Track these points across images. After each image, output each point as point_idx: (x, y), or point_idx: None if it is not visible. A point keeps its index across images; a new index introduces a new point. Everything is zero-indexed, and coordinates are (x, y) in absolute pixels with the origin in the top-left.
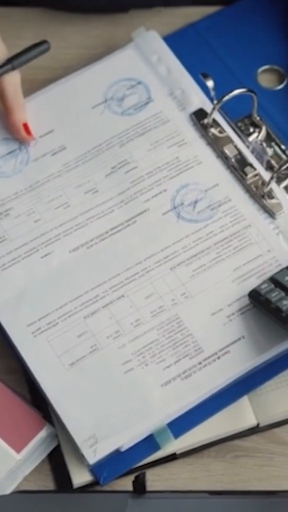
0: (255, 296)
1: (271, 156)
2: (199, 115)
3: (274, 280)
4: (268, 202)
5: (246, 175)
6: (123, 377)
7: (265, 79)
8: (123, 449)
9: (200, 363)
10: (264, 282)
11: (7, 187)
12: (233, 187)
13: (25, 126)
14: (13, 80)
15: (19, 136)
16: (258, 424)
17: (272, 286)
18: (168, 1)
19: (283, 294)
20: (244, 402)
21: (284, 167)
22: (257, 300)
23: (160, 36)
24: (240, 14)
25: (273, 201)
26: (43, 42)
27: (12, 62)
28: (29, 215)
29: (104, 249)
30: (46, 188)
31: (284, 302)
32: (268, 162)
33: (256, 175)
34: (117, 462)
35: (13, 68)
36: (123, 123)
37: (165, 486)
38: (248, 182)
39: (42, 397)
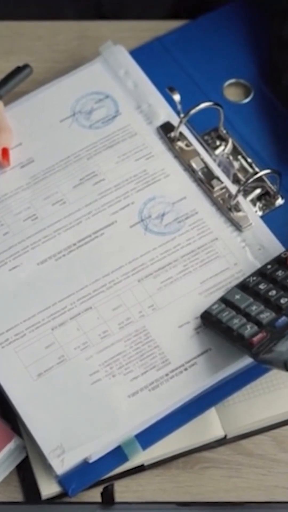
0: (207, 317)
1: (238, 169)
2: (166, 128)
3: (224, 300)
4: (235, 215)
5: (213, 188)
6: (90, 388)
7: (231, 92)
8: (91, 460)
9: (167, 374)
10: (215, 303)
11: None
12: (200, 200)
13: (4, 150)
14: None
15: None
16: (225, 436)
17: (223, 306)
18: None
19: (233, 313)
20: (211, 413)
21: (251, 180)
22: (209, 321)
23: (126, 50)
24: (206, 29)
25: (240, 214)
26: (25, 66)
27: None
28: None
29: (72, 261)
30: (14, 201)
31: (235, 321)
32: (235, 175)
33: (223, 188)
34: (86, 474)
35: (0, 97)
36: (91, 136)
37: (134, 497)
38: (215, 195)
39: (10, 408)
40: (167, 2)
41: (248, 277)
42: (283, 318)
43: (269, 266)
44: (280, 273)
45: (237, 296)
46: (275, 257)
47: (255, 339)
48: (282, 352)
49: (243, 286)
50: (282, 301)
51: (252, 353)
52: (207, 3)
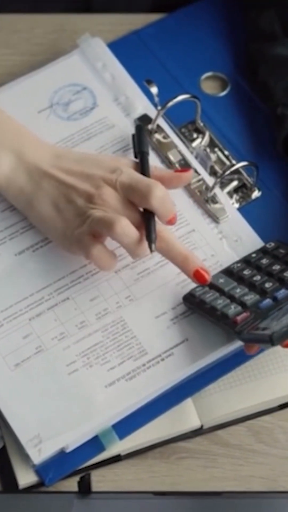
0: (190, 299)
1: (215, 162)
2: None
3: (208, 283)
4: (212, 207)
5: None
6: (67, 378)
7: (208, 85)
8: (68, 450)
9: (144, 365)
10: (198, 286)
11: None
12: (177, 192)
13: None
14: None
15: None
16: (201, 426)
17: (207, 288)
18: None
19: (217, 294)
20: (188, 404)
21: (228, 172)
22: (192, 302)
23: (104, 43)
24: (183, 22)
25: (216, 206)
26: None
27: None
28: None
29: (49, 252)
30: None
31: (219, 301)
32: (212, 167)
33: (200, 180)
34: (62, 463)
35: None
36: (69, 128)
37: (110, 487)
38: (192, 187)
39: None
40: None
41: (233, 264)
42: (268, 300)
43: (253, 255)
44: (264, 261)
45: (221, 280)
46: (260, 248)
47: (238, 318)
48: (266, 328)
49: (227, 272)
50: (267, 285)
51: (235, 331)
52: None
